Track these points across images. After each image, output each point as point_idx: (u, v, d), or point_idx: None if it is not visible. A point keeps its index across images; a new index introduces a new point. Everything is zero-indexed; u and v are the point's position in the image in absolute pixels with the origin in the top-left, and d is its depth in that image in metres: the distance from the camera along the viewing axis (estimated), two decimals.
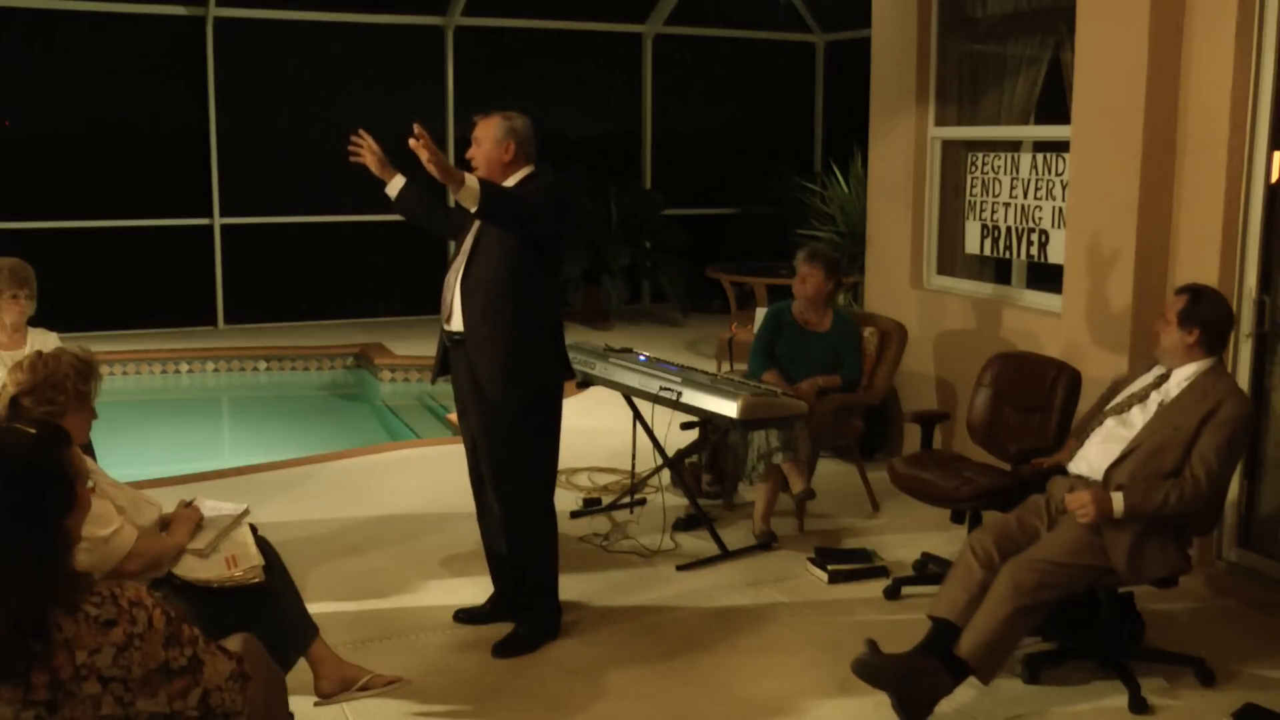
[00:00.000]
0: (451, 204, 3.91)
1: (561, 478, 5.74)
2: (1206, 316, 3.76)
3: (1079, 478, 3.84)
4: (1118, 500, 3.59)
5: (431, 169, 3.58)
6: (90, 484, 2.54)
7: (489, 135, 3.93)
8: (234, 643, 2.64)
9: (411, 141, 3.59)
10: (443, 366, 4.16)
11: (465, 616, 4.25)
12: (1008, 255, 5.90)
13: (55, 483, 2.22)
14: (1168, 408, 3.74)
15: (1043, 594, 3.55)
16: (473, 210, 3.67)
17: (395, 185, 4.08)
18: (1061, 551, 3.60)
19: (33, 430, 2.27)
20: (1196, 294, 3.79)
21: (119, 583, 2.22)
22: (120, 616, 2.15)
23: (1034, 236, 5.68)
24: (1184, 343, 3.76)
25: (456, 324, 3.95)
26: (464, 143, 4.08)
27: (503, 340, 3.87)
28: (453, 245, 4.22)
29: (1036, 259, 5.71)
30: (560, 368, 4.09)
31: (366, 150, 4.00)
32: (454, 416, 7.26)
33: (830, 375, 5.47)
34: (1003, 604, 3.51)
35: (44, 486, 2.19)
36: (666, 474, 5.57)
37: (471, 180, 3.64)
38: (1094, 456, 3.83)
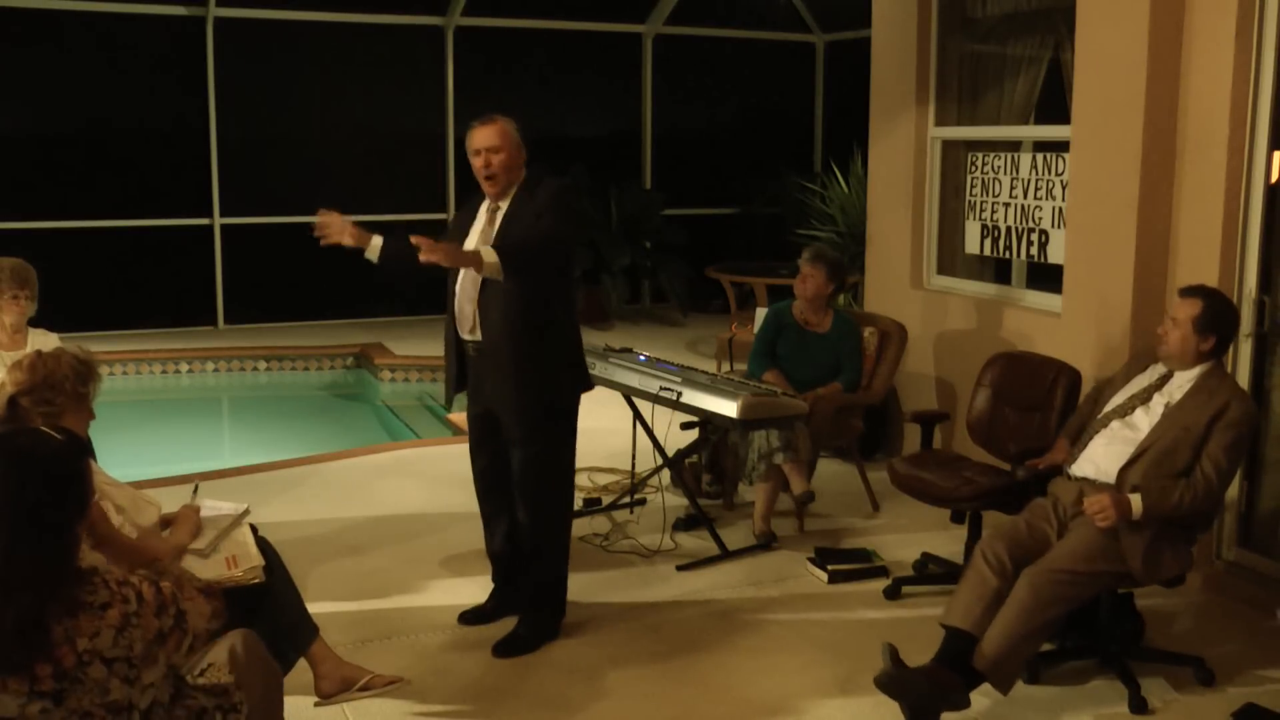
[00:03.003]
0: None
1: None
2: (1222, 323, 3.76)
3: (1086, 480, 3.83)
4: (1136, 502, 3.59)
5: (447, 263, 3.63)
6: (96, 495, 2.59)
7: (509, 141, 3.93)
8: (233, 638, 2.68)
9: (423, 255, 3.59)
10: (460, 381, 4.13)
11: (471, 617, 4.24)
12: (1008, 255, 5.90)
13: (78, 489, 2.29)
14: (1174, 409, 3.74)
15: (1063, 604, 3.55)
16: (500, 278, 3.72)
17: (375, 247, 4.02)
18: (1079, 559, 3.59)
19: (60, 437, 2.36)
20: (1209, 298, 3.77)
21: (106, 568, 2.30)
22: (113, 598, 2.21)
23: (1034, 236, 5.68)
24: (1199, 349, 3.75)
25: (479, 334, 3.94)
26: (463, 143, 4.06)
27: (531, 346, 3.90)
28: None
29: (1036, 259, 5.71)
30: (582, 371, 4.16)
31: (335, 229, 3.94)
32: (454, 417, 7.31)
33: (829, 385, 5.46)
34: (1023, 616, 3.50)
35: (69, 491, 2.26)
36: (666, 474, 5.57)
37: (489, 254, 3.68)
38: (1101, 459, 3.82)
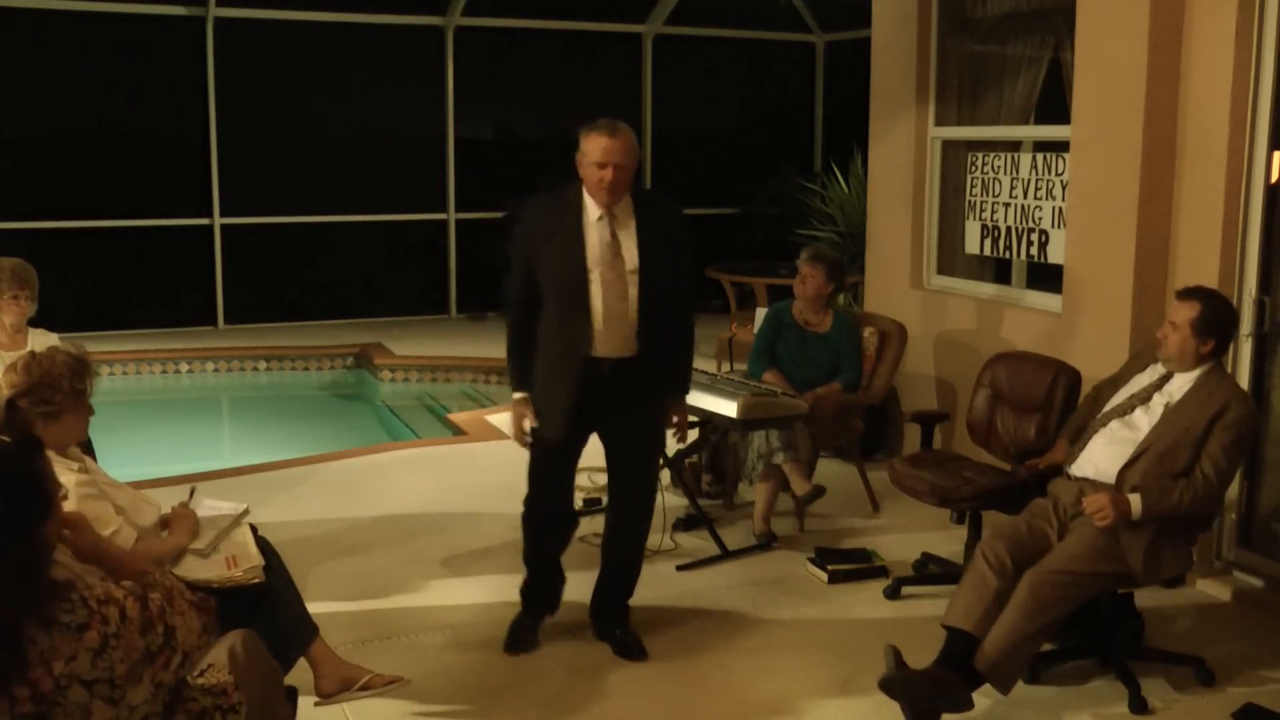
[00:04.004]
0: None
1: None
2: (1220, 326, 3.75)
3: (1085, 480, 3.83)
4: (1135, 502, 3.59)
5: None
6: (62, 492, 2.51)
7: (635, 158, 3.78)
8: (233, 638, 2.66)
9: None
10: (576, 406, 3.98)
11: (518, 646, 4.08)
12: (1008, 255, 5.90)
13: (35, 493, 2.20)
14: (1174, 409, 3.74)
15: (1064, 605, 3.55)
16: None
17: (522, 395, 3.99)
18: (1080, 560, 3.59)
19: (8, 440, 2.25)
20: (1207, 301, 3.76)
21: (88, 584, 2.19)
22: (92, 619, 2.13)
23: (1034, 236, 5.68)
24: (1199, 351, 3.75)
25: (630, 351, 3.85)
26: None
27: (664, 363, 4.00)
28: (555, 267, 3.89)
29: (1036, 259, 5.71)
30: None
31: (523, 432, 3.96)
32: (455, 417, 7.32)
33: (829, 385, 5.46)
34: (1025, 619, 3.50)
35: (25, 497, 2.17)
36: (666, 474, 5.56)
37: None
38: (1100, 459, 3.82)
